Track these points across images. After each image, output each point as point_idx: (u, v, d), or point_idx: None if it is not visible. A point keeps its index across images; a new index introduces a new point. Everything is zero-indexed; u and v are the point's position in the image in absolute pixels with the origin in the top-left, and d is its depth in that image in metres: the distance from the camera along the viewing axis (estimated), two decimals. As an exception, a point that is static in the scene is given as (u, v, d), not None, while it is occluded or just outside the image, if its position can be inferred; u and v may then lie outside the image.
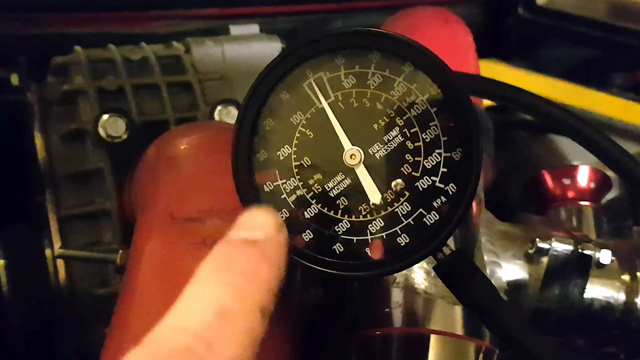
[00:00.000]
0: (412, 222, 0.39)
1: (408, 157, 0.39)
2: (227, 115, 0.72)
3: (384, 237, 0.39)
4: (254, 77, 0.40)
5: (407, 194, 0.39)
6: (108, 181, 0.67)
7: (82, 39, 0.80)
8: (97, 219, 0.68)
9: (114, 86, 0.70)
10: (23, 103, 0.72)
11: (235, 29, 0.86)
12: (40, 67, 0.75)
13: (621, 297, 0.59)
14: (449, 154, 0.38)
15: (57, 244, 0.67)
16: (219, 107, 0.72)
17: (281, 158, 0.40)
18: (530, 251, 0.59)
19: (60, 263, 0.67)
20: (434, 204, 0.38)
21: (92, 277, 0.67)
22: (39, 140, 0.70)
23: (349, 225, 0.39)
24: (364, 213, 0.39)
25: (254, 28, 0.87)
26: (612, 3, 1.07)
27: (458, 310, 0.51)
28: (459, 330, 0.50)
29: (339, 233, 0.39)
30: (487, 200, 0.63)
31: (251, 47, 0.82)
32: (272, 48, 0.82)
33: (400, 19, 0.78)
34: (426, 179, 0.39)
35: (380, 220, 0.39)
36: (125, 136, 0.67)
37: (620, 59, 1.08)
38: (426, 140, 0.39)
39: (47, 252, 0.68)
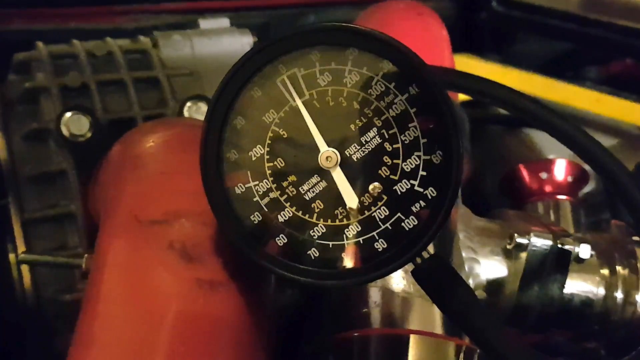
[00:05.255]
0: (389, 227, 0.38)
1: (386, 159, 0.38)
2: (197, 111, 0.70)
3: (361, 242, 0.38)
4: (224, 73, 0.38)
5: (385, 197, 0.38)
6: (72, 182, 0.65)
7: (46, 35, 0.78)
8: (62, 223, 0.66)
9: (77, 83, 0.68)
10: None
11: (205, 23, 0.84)
12: (2, 65, 0.72)
13: (601, 291, 0.59)
14: (428, 157, 0.37)
15: (21, 248, 0.65)
16: (188, 104, 0.70)
17: (253, 159, 0.39)
18: (508, 247, 0.58)
19: (24, 268, 0.65)
20: (413, 208, 0.37)
21: (58, 282, 0.65)
22: (0, 141, 0.67)
23: (324, 229, 0.38)
24: (340, 217, 0.38)
25: (224, 22, 0.85)
26: (584, -5, 1.07)
27: (437, 309, 0.50)
28: (439, 329, 0.50)
29: (314, 238, 0.38)
30: (463, 196, 0.62)
31: (222, 41, 0.80)
32: (243, 42, 0.80)
33: (373, 12, 0.77)
34: (404, 182, 0.37)
35: (357, 225, 0.38)
36: (89, 135, 0.64)
37: (593, 51, 1.08)
38: (405, 142, 0.37)
39: (11, 257, 0.65)
